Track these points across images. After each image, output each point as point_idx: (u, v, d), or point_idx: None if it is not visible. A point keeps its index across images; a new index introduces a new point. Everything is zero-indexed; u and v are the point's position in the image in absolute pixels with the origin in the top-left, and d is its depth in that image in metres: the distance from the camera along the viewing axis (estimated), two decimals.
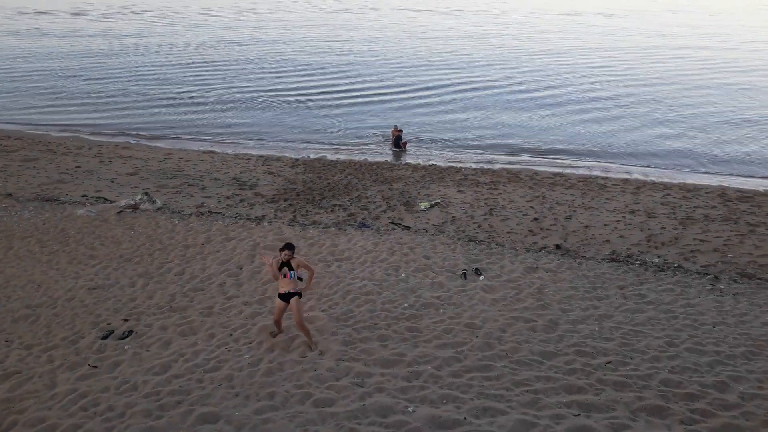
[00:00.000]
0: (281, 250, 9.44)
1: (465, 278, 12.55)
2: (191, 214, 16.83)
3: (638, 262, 13.92)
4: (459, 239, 15.14)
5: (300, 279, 9.67)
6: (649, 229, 16.00)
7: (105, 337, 10.35)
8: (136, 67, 40.66)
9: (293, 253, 9.44)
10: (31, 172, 20.98)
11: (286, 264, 9.41)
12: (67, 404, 8.48)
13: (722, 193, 19.62)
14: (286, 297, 9.58)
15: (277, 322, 9.98)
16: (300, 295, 9.65)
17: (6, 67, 39.95)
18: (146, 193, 17.82)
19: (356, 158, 23.78)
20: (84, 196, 18.57)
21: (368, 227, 15.94)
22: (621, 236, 15.54)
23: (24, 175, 20.61)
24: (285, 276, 9.42)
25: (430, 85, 36.45)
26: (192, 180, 20.34)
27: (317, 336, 10.02)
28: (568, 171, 22.32)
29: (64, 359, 9.77)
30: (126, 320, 10.95)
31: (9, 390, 8.94)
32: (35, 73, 38.58)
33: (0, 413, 8.41)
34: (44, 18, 70.27)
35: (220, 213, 17.04)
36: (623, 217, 16.95)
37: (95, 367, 9.48)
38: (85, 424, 7.97)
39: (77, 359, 9.75)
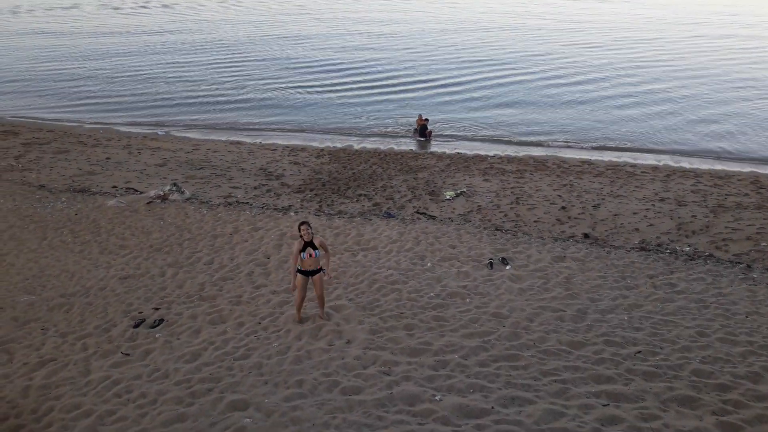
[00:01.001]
0: (299, 227, 9.64)
1: (491, 268, 12.50)
2: (219, 205, 17.02)
3: (668, 250, 13.71)
4: (485, 228, 15.07)
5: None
6: (679, 218, 15.73)
7: (136, 326, 10.56)
8: (164, 63, 40.85)
9: (310, 229, 9.71)
10: (63, 163, 21.39)
11: (309, 244, 9.65)
12: (102, 391, 8.69)
13: (755, 180, 19.19)
14: (308, 272, 9.84)
15: (300, 304, 10.13)
16: (324, 270, 10.05)
17: (37, 68, 40.48)
18: (175, 184, 18.06)
19: (381, 148, 23.76)
20: (114, 187, 18.90)
21: (393, 217, 15.95)
22: (651, 225, 15.31)
23: (56, 166, 21.03)
24: (311, 255, 9.72)
25: (456, 78, 35.86)
26: (219, 171, 20.55)
27: (344, 325, 10.10)
28: (596, 159, 22.02)
29: (97, 347, 10.00)
30: (157, 309, 11.15)
31: (45, 377, 9.19)
32: (63, 72, 39.02)
33: (37, 399, 8.66)
34: (73, 13, 71.18)
35: (247, 203, 17.21)
36: (653, 205, 16.69)
37: (128, 354, 9.68)
38: (119, 410, 8.16)
39: (110, 347, 9.97)
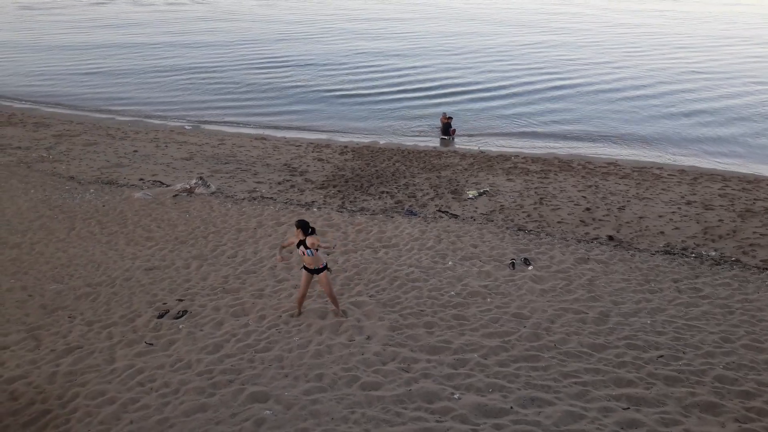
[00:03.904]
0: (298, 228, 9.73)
1: (513, 268, 12.45)
2: (244, 199, 17.19)
3: (694, 255, 13.53)
4: (507, 228, 15.01)
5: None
6: (705, 222, 15.49)
7: (161, 316, 10.73)
8: (194, 59, 41.25)
9: (305, 233, 9.69)
10: (92, 156, 21.77)
11: (302, 243, 9.73)
12: (126, 379, 8.85)
13: None
14: (311, 270, 9.97)
15: (301, 299, 10.27)
16: (329, 269, 10.10)
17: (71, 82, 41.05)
18: (201, 178, 18.28)
19: (404, 145, 23.77)
20: (141, 179, 19.18)
21: (415, 214, 15.95)
22: (676, 228, 15.10)
23: (85, 158, 21.41)
24: (302, 254, 9.81)
25: (481, 76, 35.59)
26: (245, 165, 20.74)
27: (364, 321, 10.15)
28: (622, 160, 21.77)
29: (122, 336, 10.18)
30: (181, 300, 11.31)
31: (72, 363, 9.40)
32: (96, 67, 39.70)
33: (63, 385, 8.86)
34: (106, 9, 72.06)
35: (271, 198, 17.35)
36: (679, 208, 16.46)
37: (151, 344, 9.85)
38: (142, 399, 8.32)
39: (134, 336, 10.15)
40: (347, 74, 36.34)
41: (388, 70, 37.49)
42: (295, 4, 77.57)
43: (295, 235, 9.81)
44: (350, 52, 43.47)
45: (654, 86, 33.67)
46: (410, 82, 34.22)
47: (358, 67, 38.26)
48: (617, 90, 32.84)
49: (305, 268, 10.01)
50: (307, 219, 15.23)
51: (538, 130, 25.97)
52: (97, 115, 28.87)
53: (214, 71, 37.17)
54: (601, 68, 38.38)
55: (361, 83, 34.16)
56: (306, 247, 9.73)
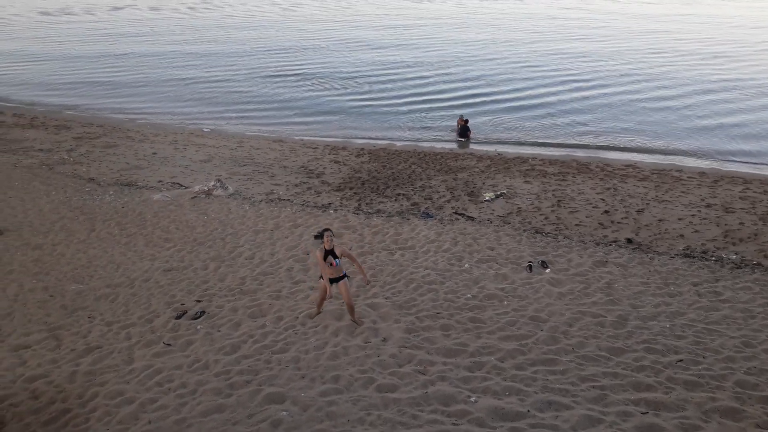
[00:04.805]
0: (317, 237, 9.66)
1: (530, 271, 12.38)
2: (261, 201, 17.29)
3: (714, 258, 13.36)
4: (525, 231, 14.93)
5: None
6: (726, 225, 15.29)
7: (179, 317, 10.82)
8: (210, 69, 41.49)
9: (333, 237, 9.65)
10: (111, 158, 22.04)
11: (330, 252, 9.65)
12: (144, 379, 8.94)
13: None
14: (331, 280, 9.90)
15: (321, 305, 10.32)
16: (348, 276, 10.10)
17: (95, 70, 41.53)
18: (219, 180, 18.43)
19: (420, 148, 23.74)
20: (160, 181, 19.37)
21: (432, 217, 15.93)
22: (696, 231, 14.92)
23: (105, 160, 21.67)
24: (331, 265, 9.70)
25: (501, 86, 35.14)
26: (262, 168, 20.86)
27: (380, 323, 10.15)
28: (641, 162, 21.56)
29: (140, 336, 10.29)
30: (199, 301, 11.40)
31: (92, 363, 9.52)
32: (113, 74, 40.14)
33: (83, 385, 8.97)
34: (125, 15, 72.83)
35: (288, 200, 17.43)
36: (699, 211, 16.26)
37: (169, 345, 9.93)
38: (160, 399, 8.39)
39: (153, 337, 10.25)
40: (365, 84, 36.05)
41: (406, 79, 37.00)
42: (310, 12, 77.59)
43: (324, 244, 9.64)
44: (369, 61, 43.10)
45: (680, 98, 32.70)
46: (430, 93, 33.61)
47: (375, 76, 37.96)
48: (640, 101, 32.15)
49: (328, 278, 9.97)
50: (324, 220, 15.30)
51: (559, 141, 25.40)
52: (117, 116, 29.23)
53: (230, 81, 37.14)
54: (625, 77, 37.59)
55: (379, 93, 33.75)
56: (335, 257, 9.68)
